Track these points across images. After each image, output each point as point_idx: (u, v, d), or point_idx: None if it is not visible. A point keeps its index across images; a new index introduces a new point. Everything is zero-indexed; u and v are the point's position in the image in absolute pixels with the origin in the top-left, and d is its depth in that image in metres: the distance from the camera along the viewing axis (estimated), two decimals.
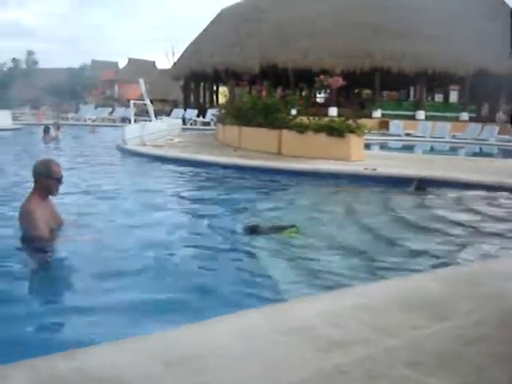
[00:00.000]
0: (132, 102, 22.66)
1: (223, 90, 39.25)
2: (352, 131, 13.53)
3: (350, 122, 13.95)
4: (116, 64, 71.16)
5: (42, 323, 3.78)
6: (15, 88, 64.73)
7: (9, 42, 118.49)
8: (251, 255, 5.55)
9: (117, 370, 2.53)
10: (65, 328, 3.72)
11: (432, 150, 23.71)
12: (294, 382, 2.49)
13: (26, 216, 5.40)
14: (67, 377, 2.46)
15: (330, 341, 2.87)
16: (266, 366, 2.62)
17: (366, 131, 14.20)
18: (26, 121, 34.41)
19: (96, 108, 41.96)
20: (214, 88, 42.73)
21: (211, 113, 31.45)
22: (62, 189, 5.67)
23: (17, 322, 3.72)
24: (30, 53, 74.62)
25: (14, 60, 73.39)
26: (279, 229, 6.16)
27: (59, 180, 5.57)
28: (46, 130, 21.04)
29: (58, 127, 22.18)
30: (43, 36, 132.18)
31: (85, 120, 36.98)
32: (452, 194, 9.70)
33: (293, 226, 6.19)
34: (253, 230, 6.05)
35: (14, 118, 31.92)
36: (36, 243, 5.39)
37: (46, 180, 5.51)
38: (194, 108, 36.70)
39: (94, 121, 36.36)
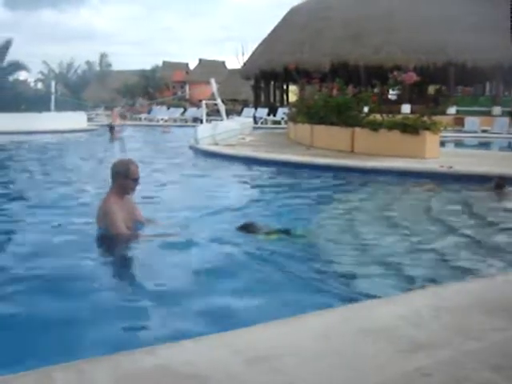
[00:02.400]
0: (204, 101, 22.94)
1: (293, 88, 39.17)
2: (427, 128, 13.25)
3: (425, 118, 13.67)
4: (187, 65, 71.95)
5: (120, 320, 3.83)
6: (89, 90, 66.73)
7: (83, 45, 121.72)
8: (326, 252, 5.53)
9: (199, 366, 2.55)
10: (143, 324, 3.77)
11: (510, 146, 22.95)
12: (375, 383, 2.47)
13: (103, 214, 5.53)
14: (152, 373, 2.49)
15: (412, 342, 2.81)
16: (346, 367, 2.59)
17: (442, 128, 13.87)
18: (101, 122, 35.39)
19: (168, 109, 42.77)
20: (284, 87, 42.71)
21: (282, 111, 31.46)
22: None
23: (95, 319, 3.79)
24: (103, 55, 76.73)
25: (87, 62, 75.75)
26: (273, 232, 6.01)
27: (136, 180, 5.65)
28: (111, 128, 22.80)
29: (124, 117, 23.72)
30: (116, 39, 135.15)
31: (157, 120, 37.79)
32: None
33: (288, 231, 6.01)
34: (244, 229, 5.98)
35: (89, 120, 32.98)
36: (114, 241, 5.50)
37: (124, 180, 5.58)
38: (264, 107, 36.83)
39: (166, 121, 37.08)
